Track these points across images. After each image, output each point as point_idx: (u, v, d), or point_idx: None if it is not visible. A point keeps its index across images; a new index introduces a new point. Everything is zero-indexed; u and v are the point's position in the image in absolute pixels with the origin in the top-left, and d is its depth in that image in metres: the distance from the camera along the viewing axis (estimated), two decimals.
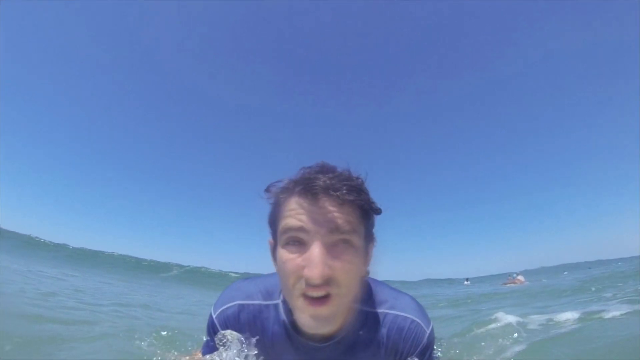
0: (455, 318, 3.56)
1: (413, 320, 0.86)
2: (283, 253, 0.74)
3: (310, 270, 0.68)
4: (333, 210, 0.71)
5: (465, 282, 19.86)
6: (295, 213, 0.72)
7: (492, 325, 2.35)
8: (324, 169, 0.76)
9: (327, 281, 0.69)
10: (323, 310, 0.72)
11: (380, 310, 0.88)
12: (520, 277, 13.27)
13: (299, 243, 0.73)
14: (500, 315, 2.51)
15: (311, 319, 0.73)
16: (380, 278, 0.96)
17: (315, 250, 0.69)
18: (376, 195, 0.79)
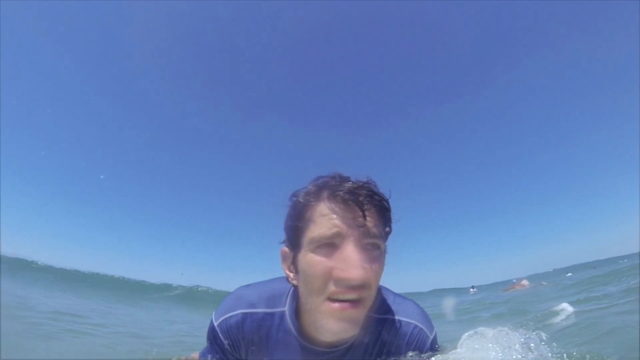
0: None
1: (416, 326, 0.88)
2: (312, 257, 0.74)
3: (346, 272, 0.69)
4: (365, 215, 0.73)
5: (471, 290, 19.76)
6: (328, 219, 0.74)
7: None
8: (345, 177, 0.79)
9: (362, 284, 0.70)
10: (353, 313, 0.72)
11: (384, 315, 0.89)
12: (525, 282, 13.25)
13: (330, 247, 0.73)
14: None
15: (340, 323, 0.73)
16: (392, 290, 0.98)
17: (353, 252, 0.71)
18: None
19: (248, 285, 0.97)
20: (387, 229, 0.80)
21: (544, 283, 11.67)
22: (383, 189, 0.82)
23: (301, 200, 0.79)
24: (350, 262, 0.70)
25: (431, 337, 0.89)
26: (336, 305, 0.72)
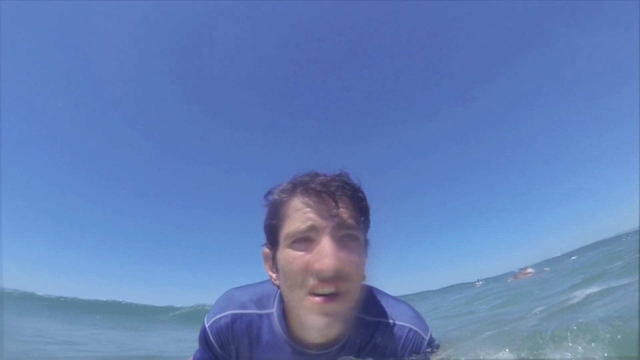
0: None
1: (411, 329, 0.88)
2: (289, 252, 0.75)
3: (321, 263, 0.70)
4: (338, 206, 0.74)
5: (477, 283, 19.88)
6: (302, 213, 0.75)
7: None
8: (319, 173, 0.80)
9: (338, 275, 0.71)
10: (333, 307, 0.72)
11: (377, 319, 0.89)
12: (529, 270, 13.33)
13: (306, 241, 0.74)
14: None
15: (322, 317, 0.73)
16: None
17: (326, 243, 0.72)
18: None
19: (239, 287, 0.98)
20: (364, 219, 0.81)
21: (547, 269, 11.78)
22: (356, 179, 0.82)
23: (276, 197, 0.82)
24: (324, 253, 0.71)
25: (427, 339, 0.89)
26: (317, 299, 0.72)
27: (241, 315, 0.89)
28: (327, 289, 0.72)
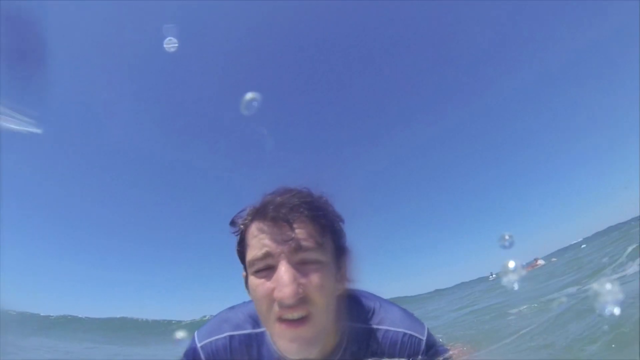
0: None
1: (405, 334, 0.87)
2: (253, 280, 0.76)
3: (280, 291, 0.70)
4: (293, 229, 0.73)
5: (491, 277, 19.76)
6: (258, 240, 0.75)
7: None
8: (282, 191, 0.80)
9: (302, 300, 0.71)
10: (302, 331, 0.72)
11: (369, 325, 0.89)
12: (540, 261, 13.34)
13: (267, 268, 0.74)
14: None
15: (291, 343, 0.72)
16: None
17: (283, 270, 0.71)
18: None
19: (233, 307, 0.99)
20: (328, 235, 0.79)
21: (554, 259, 11.78)
22: (322, 194, 0.82)
23: (237, 225, 0.84)
24: (282, 282, 0.70)
25: (424, 339, 0.89)
26: (284, 325, 0.73)
27: (239, 335, 0.91)
28: (294, 315, 0.72)
